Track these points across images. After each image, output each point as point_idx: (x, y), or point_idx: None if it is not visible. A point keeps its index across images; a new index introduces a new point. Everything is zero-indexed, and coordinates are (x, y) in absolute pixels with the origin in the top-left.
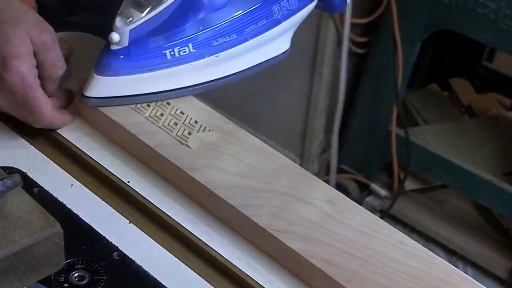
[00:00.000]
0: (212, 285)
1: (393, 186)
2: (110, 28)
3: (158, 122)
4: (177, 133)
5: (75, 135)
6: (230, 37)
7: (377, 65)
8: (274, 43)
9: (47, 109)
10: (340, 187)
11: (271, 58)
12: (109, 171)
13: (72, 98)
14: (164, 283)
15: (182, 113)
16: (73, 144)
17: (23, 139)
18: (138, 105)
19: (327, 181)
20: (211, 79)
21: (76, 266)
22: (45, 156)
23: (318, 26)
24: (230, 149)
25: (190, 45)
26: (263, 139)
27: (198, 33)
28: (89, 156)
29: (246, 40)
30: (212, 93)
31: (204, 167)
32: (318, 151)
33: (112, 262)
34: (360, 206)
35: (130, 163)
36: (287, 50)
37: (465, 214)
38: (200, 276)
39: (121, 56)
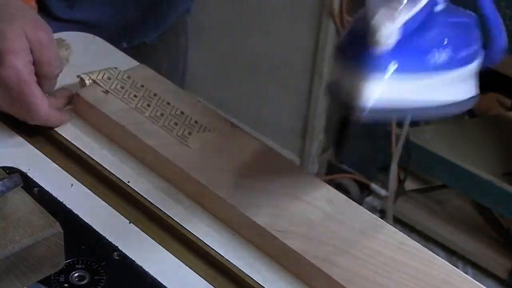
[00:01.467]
0: (212, 285)
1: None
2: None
3: (158, 122)
4: (177, 133)
5: (75, 135)
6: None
7: None
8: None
9: (42, 106)
10: (340, 187)
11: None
12: (109, 171)
13: (71, 98)
14: (164, 283)
15: (182, 113)
16: (73, 144)
17: (23, 138)
18: (139, 105)
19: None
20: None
21: (76, 266)
22: (45, 156)
23: (318, 26)
24: (230, 149)
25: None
26: (263, 139)
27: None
28: (89, 156)
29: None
30: (212, 93)
31: (204, 167)
32: (318, 151)
33: (112, 262)
34: (360, 206)
35: (130, 163)
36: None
37: (465, 214)
38: (200, 276)
39: (391, 59)
